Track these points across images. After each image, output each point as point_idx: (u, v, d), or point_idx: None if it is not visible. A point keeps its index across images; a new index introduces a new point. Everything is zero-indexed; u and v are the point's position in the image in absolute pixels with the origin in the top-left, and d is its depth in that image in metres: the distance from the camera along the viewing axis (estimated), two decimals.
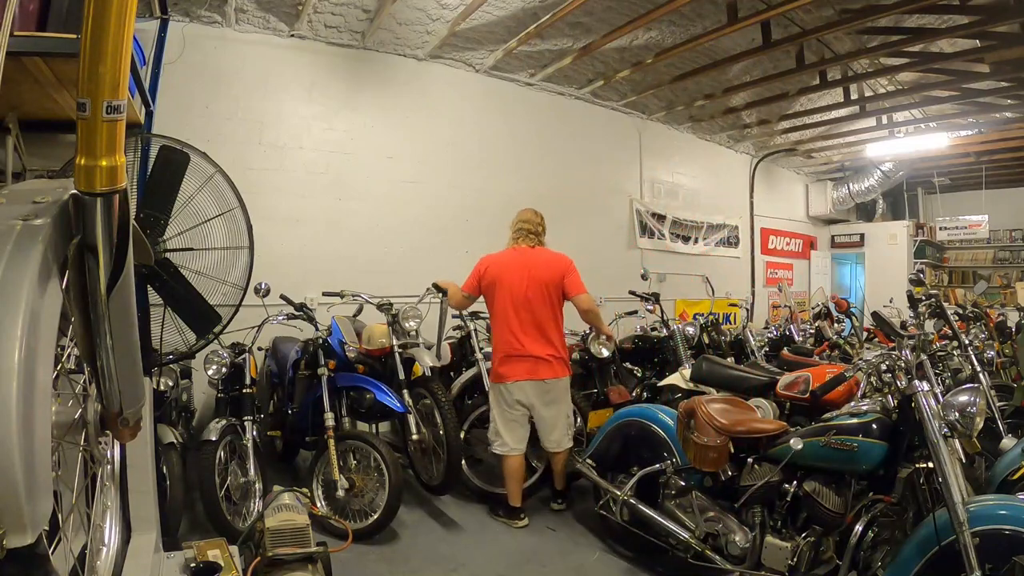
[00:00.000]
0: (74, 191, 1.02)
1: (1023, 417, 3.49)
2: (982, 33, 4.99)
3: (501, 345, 3.64)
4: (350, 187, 5.28)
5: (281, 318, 3.68)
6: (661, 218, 7.80)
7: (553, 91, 6.59)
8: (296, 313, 3.68)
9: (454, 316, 4.42)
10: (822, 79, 6.27)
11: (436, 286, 4.10)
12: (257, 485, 3.18)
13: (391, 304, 3.87)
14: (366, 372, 3.78)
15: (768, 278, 9.53)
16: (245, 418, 3.33)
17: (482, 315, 4.51)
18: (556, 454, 3.69)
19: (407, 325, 3.83)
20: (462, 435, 3.78)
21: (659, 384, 4.59)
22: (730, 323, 7.09)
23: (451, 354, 4.49)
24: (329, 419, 3.34)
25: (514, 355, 3.57)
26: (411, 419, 3.52)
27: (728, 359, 4.84)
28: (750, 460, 2.65)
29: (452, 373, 4.51)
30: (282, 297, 3.75)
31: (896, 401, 2.32)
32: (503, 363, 3.61)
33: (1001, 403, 3.55)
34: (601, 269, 6.71)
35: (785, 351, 4.93)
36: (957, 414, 2.08)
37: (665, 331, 5.12)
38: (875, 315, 3.01)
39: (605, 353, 4.49)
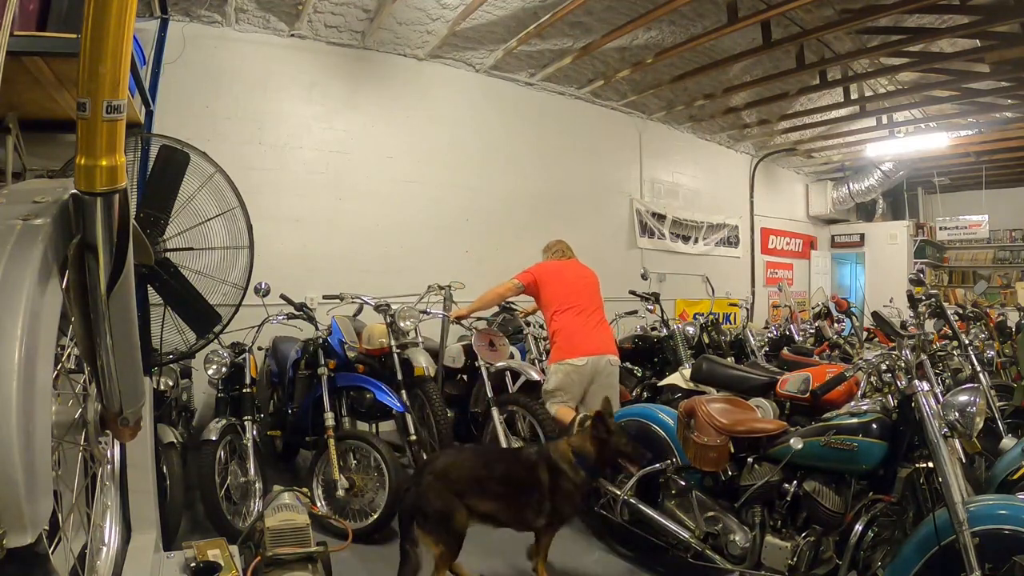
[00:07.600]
0: (74, 191, 1.02)
1: (1023, 417, 3.48)
2: (982, 33, 4.99)
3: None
4: (350, 187, 5.27)
5: (281, 318, 3.68)
6: (661, 218, 7.80)
7: (553, 91, 6.59)
8: (296, 313, 3.67)
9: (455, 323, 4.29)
10: (822, 79, 6.27)
11: (439, 286, 4.14)
12: (257, 485, 3.18)
13: (389, 305, 3.87)
14: (366, 372, 3.77)
15: (768, 278, 9.53)
16: (245, 418, 3.32)
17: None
18: None
19: (403, 325, 3.83)
20: None
21: (659, 384, 4.58)
22: (730, 323, 7.08)
23: (464, 354, 4.38)
24: (329, 419, 3.33)
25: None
26: (409, 419, 3.52)
27: (728, 359, 4.84)
28: (750, 460, 2.65)
29: (459, 377, 4.48)
30: (282, 297, 3.75)
31: (896, 401, 2.31)
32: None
33: (1001, 403, 3.54)
34: (601, 269, 6.67)
35: (785, 351, 4.93)
36: (957, 414, 2.08)
37: (665, 331, 5.13)
38: (875, 315, 3.01)
39: None
